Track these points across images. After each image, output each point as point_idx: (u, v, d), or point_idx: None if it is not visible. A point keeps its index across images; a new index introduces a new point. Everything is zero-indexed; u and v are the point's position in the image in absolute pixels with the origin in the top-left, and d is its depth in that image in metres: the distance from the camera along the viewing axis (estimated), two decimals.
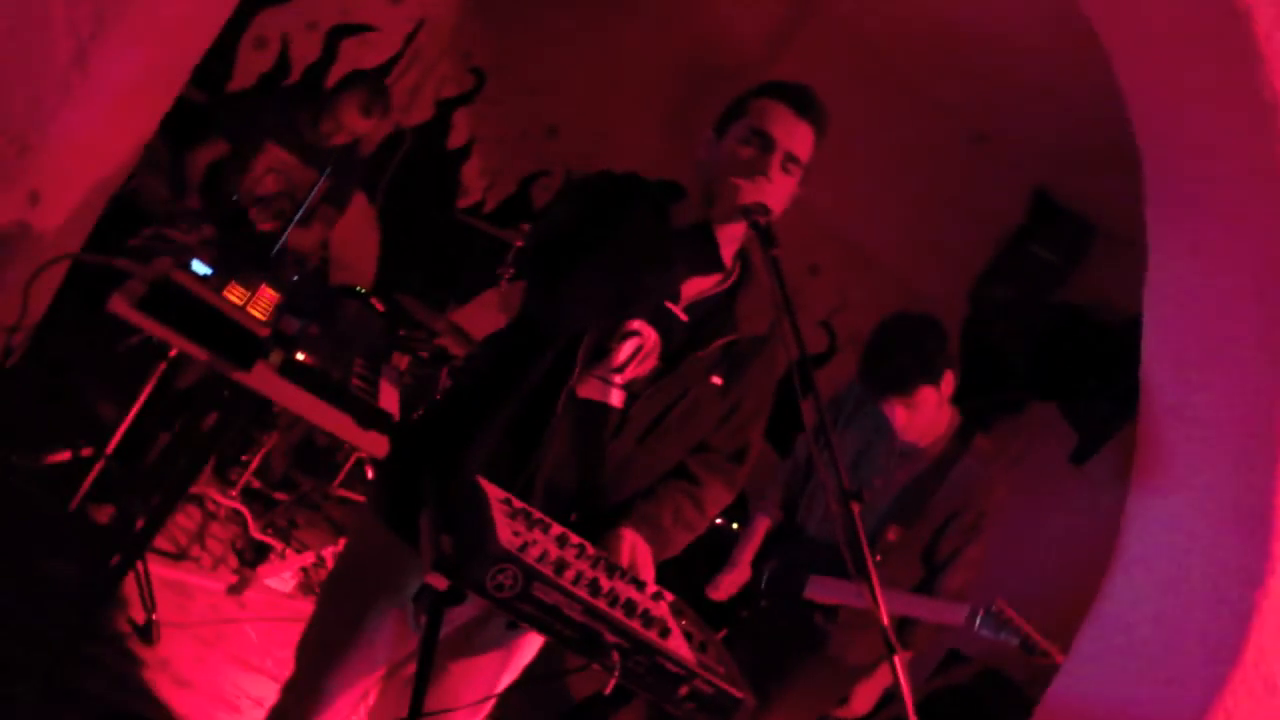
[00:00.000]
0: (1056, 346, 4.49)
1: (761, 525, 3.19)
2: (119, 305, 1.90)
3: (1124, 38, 2.36)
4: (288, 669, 2.09)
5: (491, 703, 2.02)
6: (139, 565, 2.86)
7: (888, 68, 4.89)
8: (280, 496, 4.01)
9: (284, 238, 2.64)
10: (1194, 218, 2.43)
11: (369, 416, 2.18)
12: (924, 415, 2.84)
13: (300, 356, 2.13)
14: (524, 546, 1.40)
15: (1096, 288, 4.71)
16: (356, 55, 4.94)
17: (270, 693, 2.91)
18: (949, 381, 2.84)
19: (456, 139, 5.40)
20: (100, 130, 2.11)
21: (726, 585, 3.11)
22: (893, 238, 5.22)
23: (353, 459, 4.24)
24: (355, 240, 4.36)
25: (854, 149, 4.71)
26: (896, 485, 2.91)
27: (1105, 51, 2.40)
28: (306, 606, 3.62)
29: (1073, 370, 4.41)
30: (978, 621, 2.58)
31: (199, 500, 3.68)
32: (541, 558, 1.41)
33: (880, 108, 4.88)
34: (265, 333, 1.99)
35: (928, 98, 4.94)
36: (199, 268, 2.03)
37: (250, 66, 4.86)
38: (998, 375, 4.15)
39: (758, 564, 3.12)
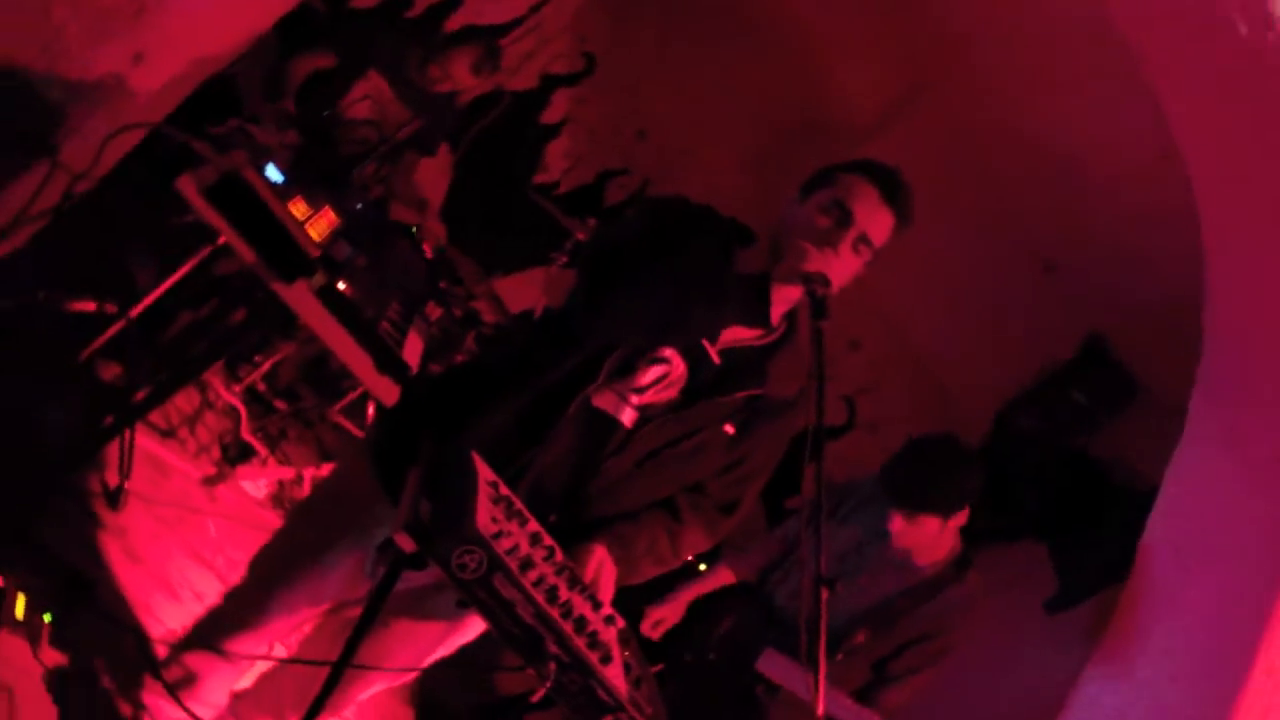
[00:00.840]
0: (1066, 492, 4.45)
1: (722, 576, 3.17)
2: (186, 186, 1.93)
3: (1221, 221, 2.35)
4: (236, 573, 2.10)
5: (415, 672, 2.03)
6: (127, 432, 2.88)
7: (980, 171, 4.87)
8: (279, 405, 4.03)
9: (361, 165, 2.65)
10: (1237, 413, 2.41)
11: (389, 362, 2.20)
12: (922, 536, 2.84)
13: (341, 286, 2.14)
14: (497, 535, 1.41)
15: (1123, 446, 4.66)
16: (481, 7, 4.96)
17: (213, 591, 2.93)
18: (959, 518, 2.85)
19: (551, 115, 5.43)
20: (220, 10, 2.13)
21: (652, 616, 3.09)
22: (940, 337, 5.20)
23: (358, 390, 4.25)
24: (427, 187, 4.38)
25: (926, 241, 4.69)
26: (880, 592, 2.91)
27: (1200, 226, 2.40)
28: (272, 518, 3.63)
29: (1075, 520, 4.38)
30: None
31: (202, 386, 3.70)
32: (511, 551, 1.41)
33: (962, 207, 4.86)
34: (316, 253, 2.01)
35: (1010, 211, 4.92)
36: (272, 173, 2.05)
37: None
38: (1000, 502, 4.12)
39: (704, 611, 3.10)
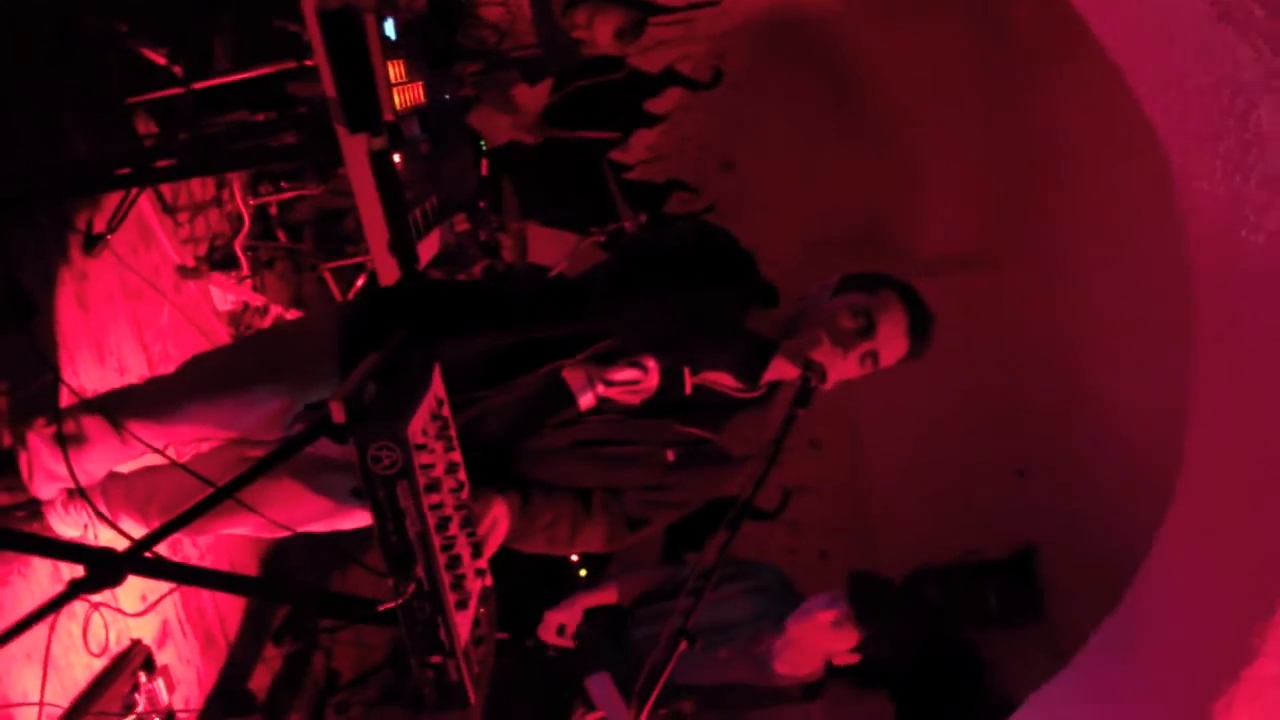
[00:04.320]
0: (939, 670, 4.50)
1: (609, 594, 3.20)
2: (309, 1, 1.94)
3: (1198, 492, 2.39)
4: (166, 366, 2.10)
5: (284, 532, 2.04)
6: (134, 189, 2.88)
7: (999, 361, 4.96)
8: (280, 235, 4.02)
9: (467, 61, 2.67)
10: (1121, 676, 2.45)
11: (402, 246, 2.21)
12: (796, 652, 2.87)
13: (396, 158, 2.16)
14: (421, 447, 1.43)
15: (1004, 659, 4.72)
16: None
17: (138, 371, 2.94)
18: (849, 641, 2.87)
19: (657, 106, 5.45)
20: None
21: (553, 622, 3.10)
22: (892, 482, 5.26)
23: (360, 259, 4.26)
24: (519, 110, 4.40)
25: (924, 397, 4.78)
26: (728, 675, 2.93)
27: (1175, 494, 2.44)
28: (222, 333, 3.63)
29: (934, 699, 4.43)
30: None
31: (221, 183, 3.70)
32: (426, 467, 1.43)
33: (968, 385, 4.94)
34: (390, 118, 2.02)
35: (1009, 408, 5.02)
36: (389, 28, 2.07)
37: None
38: (875, 652, 4.17)
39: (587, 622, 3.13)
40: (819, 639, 2.85)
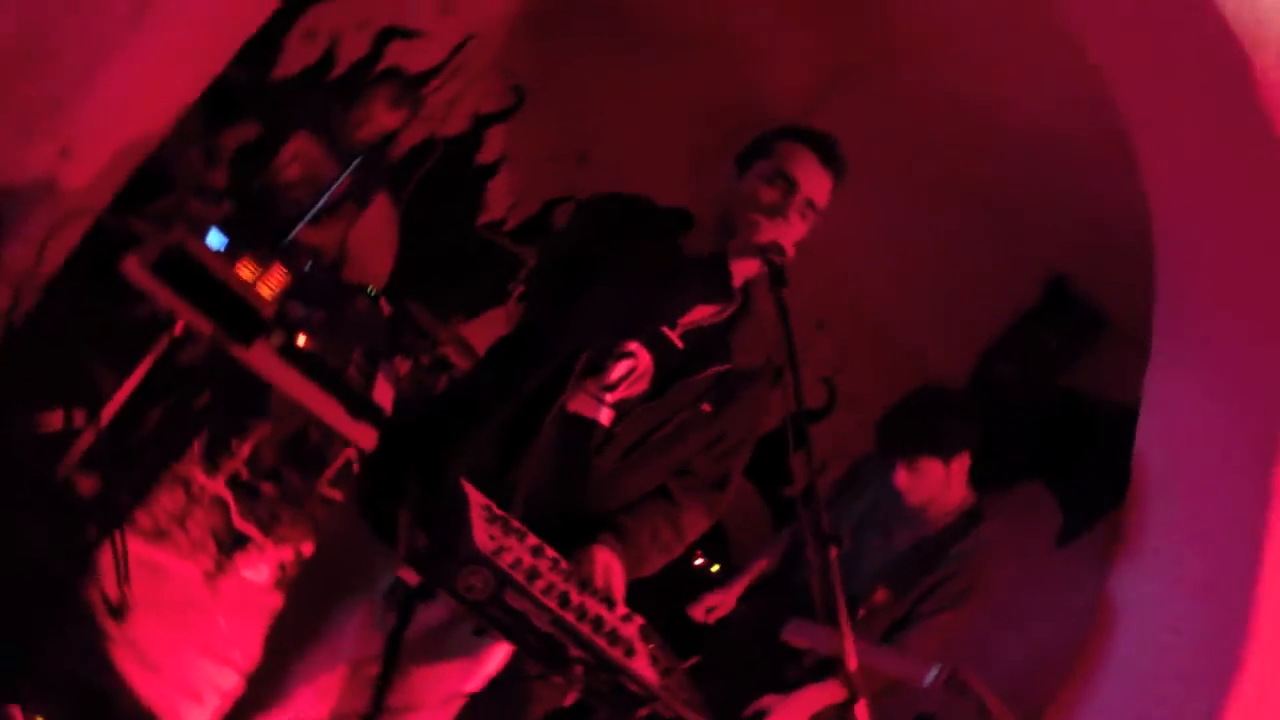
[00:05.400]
0: (1052, 428, 4.49)
1: (759, 564, 3.20)
2: (131, 266, 1.91)
3: (1154, 139, 2.40)
4: (254, 664, 2.07)
5: (456, 706, 2.01)
6: (118, 539, 2.84)
7: (920, 138, 4.93)
8: (266, 488, 4.00)
9: (301, 224, 2.65)
10: (1200, 321, 2.45)
11: (361, 406, 2.19)
12: (927, 486, 2.85)
13: (301, 340, 2.14)
14: (498, 551, 1.40)
15: (1098, 378, 4.71)
16: (402, 58, 4.97)
17: (234, 685, 2.89)
18: (962, 462, 2.86)
19: (487, 154, 5.45)
20: (142, 91, 2.12)
21: (706, 602, 3.10)
22: (903, 304, 5.24)
23: (342, 458, 4.23)
24: (373, 240, 4.38)
25: (877, 213, 4.76)
26: (894, 550, 2.91)
27: (1134, 149, 2.44)
28: (278, 602, 3.59)
29: (1066, 453, 4.42)
30: (940, 683, 2.54)
31: (185, 483, 3.67)
32: (515, 564, 1.41)
33: (908, 176, 4.91)
34: (270, 312, 2.00)
35: (956, 172, 4.98)
36: (214, 239, 2.04)
37: (296, 57, 4.89)
38: (992, 450, 4.15)
39: (745, 601, 3.11)
40: (924, 484, 2.84)
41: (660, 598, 2.13)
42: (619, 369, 1.83)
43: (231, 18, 2.31)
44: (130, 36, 1.80)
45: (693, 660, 3.06)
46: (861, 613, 2.82)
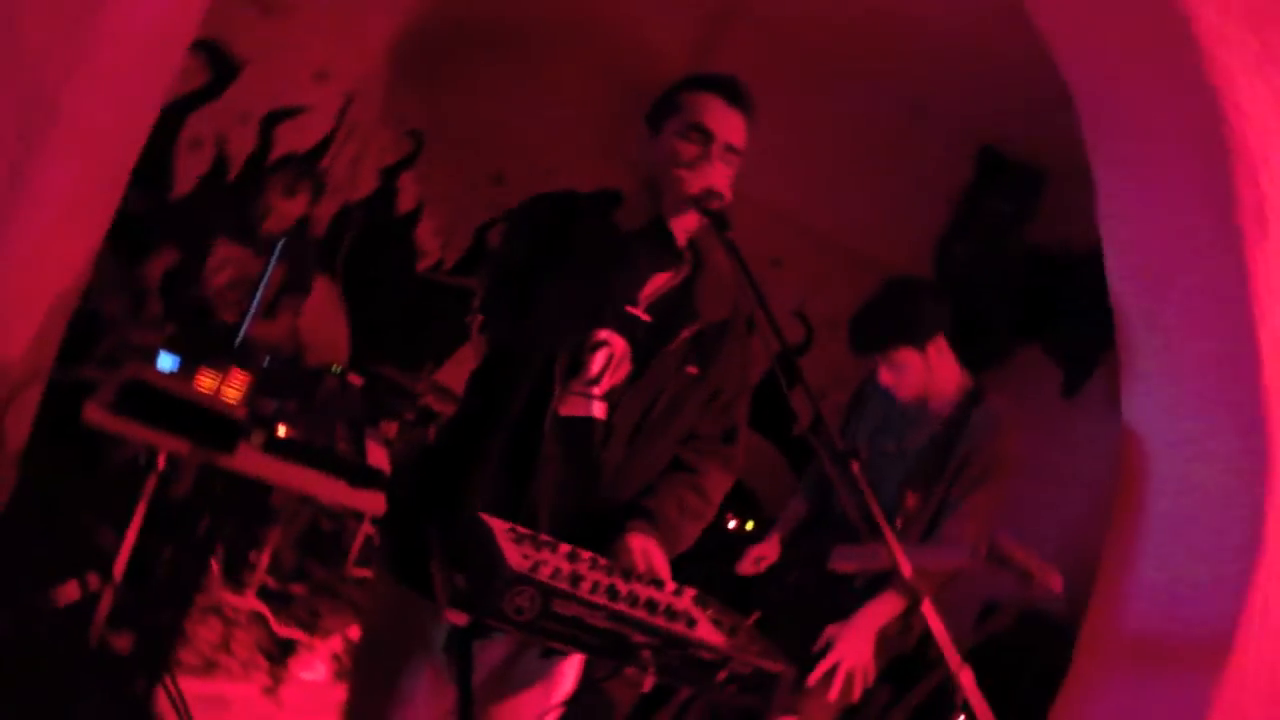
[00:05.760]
0: (1027, 290, 4.53)
1: (794, 509, 3.19)
2: (93, 413, 1.89)
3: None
4: None
5: None
6: (169, 685, 2.82)
7: (817, 56, 4.95)
8: (296, 589, 3.98)
9: (246, 322, 2.64)
10: (1135, 148, 2.47)
11: (360, 475, 2.18)
12: (911, 376, 2.84)
13: (281, 431, 2.13)
14: (535, 566, 1.40)
15: (1054, 228, 4.76)
16: (293, 138, 4.96)
17: None
18: (938, 345, 2.86)
19: (405, 204, 5.43)
20: (46, 249, 2.11)
21: (752, 554, 3.10)
22: (849, 218, 5.26)
23: (360, 537, 4.21)
24: (323, 322, 4.37)
25: (798, 139, 4.79)
26: (911, 452, 2.91)
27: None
28: (344, 693, 3.57)
29: (1047, 309, 4.46)
30: (980, 559, 2.55)
31: (216, 610, 3.64)
32: (555, 574, 1.41)
33: (816, 95, 4.95)
34: (242, 414, 1.99)
35: (862, 78, 5.01)
36: (165, 361, 2.03)
37: (189, 169, 4.88)
38: (975, 329, 4.18)
39: (789, 546, 3.11)
40: (908, 375, 2.85)
41: (706, 569, 2.13)
42: (597, 360, 1.83)
43: (111, 151, 2.29)
44: (14, 201, 1.78)
45: (754, 616, 3.07)
46: (898, 522, 2.82)
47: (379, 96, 5.24)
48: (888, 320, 2.83)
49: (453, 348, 4.76)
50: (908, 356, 2.82)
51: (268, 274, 2.77)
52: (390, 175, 5.37)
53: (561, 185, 1.96)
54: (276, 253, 2.74)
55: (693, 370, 1.88)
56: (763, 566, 3.08)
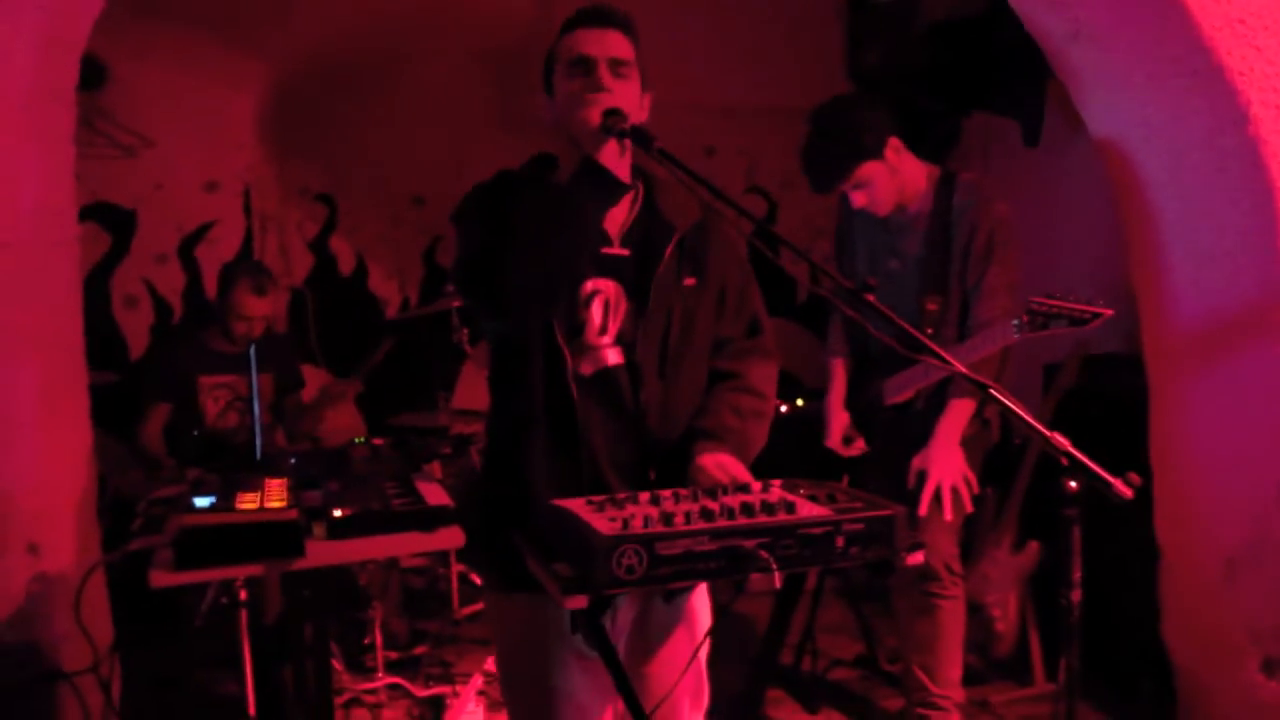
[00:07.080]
0: (949, 66, 4.47)
1: (837, 367, 3.18)
2: (159, 579, 1.90)
3: None
4: None
5: (703, 677, 2.03)
6: None
7: None
8: (420, 651, 4.02)
9: (257, 434, 2.64)
10: None
11: (429, 518, 2.19)
12: (881, 188, 2.83)
13: (338, 513, 2.13)
14: (625, 523, 1.41)
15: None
16: (215, 253, 4.95)
17: None
18: (894, 146, 2.83)
19: (346, 265, 5.41)
20: (40, 458, 2.12)
21: (834, 432, 3.11)
22: (757, 81, 5.22)
23: (455, 579, 4.24)
24: (325, 405, 4.38)
25: (685, 29, 4.74)
26: (913, 259, 2.90)
27: None
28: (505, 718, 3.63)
29: (977, 76, 4.41)
30: (1023, 328, 2.55)
31: (357, 700, 3.68)
32: (647, 522, 1.41)
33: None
34: (294, 514, 1.99)
35: None
36: (201, 502, 2.04)
37: (136, 328, 4.88)
38: (919, 122, 4.14)
39: (851, 403, 3.13)
40: (877, 188, 2.84)
41: (776, 462, 2.12)
42: (595, 311, 1.82)
43: (56, 341, 2.28)
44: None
45: (844, 480, 3.09)
46: (929, 330, 2.82)
47: (273, 177, 5.20)
48: (836, 147, 2.81)
49: (456, 370, 4.76)
50: (871, 171, 2.81)
51: (254, 378, 2.76)
52: (319, 246, 5.36)
53: (480, 176, 1.93)
54: (251, 357, 2.72)
55: (690, 281, 1.87)
56: (857, 442, 3.09)
